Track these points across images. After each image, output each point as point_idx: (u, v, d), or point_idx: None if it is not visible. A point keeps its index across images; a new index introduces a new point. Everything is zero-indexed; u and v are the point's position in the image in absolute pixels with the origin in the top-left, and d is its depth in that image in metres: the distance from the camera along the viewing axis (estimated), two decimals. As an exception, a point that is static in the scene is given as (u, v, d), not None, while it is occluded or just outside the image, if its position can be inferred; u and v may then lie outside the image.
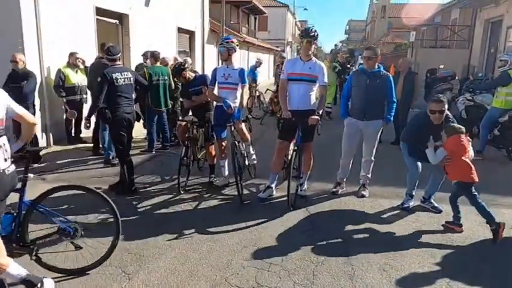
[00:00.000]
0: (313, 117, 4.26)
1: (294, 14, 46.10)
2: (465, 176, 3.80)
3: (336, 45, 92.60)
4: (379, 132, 4.76)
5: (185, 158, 4.97)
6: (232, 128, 4.82)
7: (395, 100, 4.69)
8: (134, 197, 4.76)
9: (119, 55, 4.82)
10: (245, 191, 4.97)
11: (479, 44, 17.47)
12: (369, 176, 4.95)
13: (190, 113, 5.51)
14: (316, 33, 4.33)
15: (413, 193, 4.51)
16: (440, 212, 4.34)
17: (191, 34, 14.52)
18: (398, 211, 4.45)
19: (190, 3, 13.94)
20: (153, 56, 6.92)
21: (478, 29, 17.83)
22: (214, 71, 5.04)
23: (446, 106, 4.08)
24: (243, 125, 4.80)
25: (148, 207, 4.50)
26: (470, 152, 3.91)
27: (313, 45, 4.40)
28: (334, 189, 4.93)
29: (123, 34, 9.93)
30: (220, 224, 4.01)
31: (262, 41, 29.18)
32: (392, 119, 4.82)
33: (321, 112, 4.39)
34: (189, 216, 4.28)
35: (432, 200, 4.46)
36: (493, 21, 16.76)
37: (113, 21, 9.63)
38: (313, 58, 4.49)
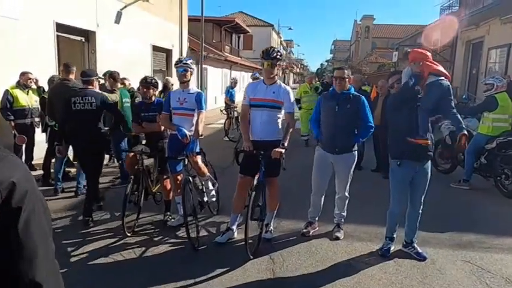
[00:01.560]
0: (276, 149, 3.68)
1: (279, 33, 46.30)
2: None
3: (322, 64, 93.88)
4: (352, 167, 4.17)
5: (135, 193, 4.31)
6: (186, 161, 4.20)
7: (372, 124, 4.12)
8: (71, 241, 4.07)
9: (92, 78, 4.73)
10: (203, 232, 4.33)
11: (461, 65, 17.40)
12: (344, 214, 4.36)
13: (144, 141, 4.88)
14: (278, 54, 3.81)
15: (394, 235, 3.93)
16: (424, 259, 3.76)
17: (168, 52, 14.00)
18: (376, 257, 3.85)
19: (167, 20, 13.47)
20: (112, 76, 6.29)
21: (459, 50, 17.80)
22: (169, 95, 4.45)
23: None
24: (198, 158, 4.19)
25: (84, 255, 3.80)
26: None
27: (277, 67, 3.87)
28: (304, 230, 4.31)
29: (90, 52, 9.33)
30: (168, 279, 3.34)
31: (245, 60, 28.91)
32: (362, 140, 4.29)
33: (286, 144, 3.81)
34: (131, 268, 3.59)
35: (415, 245, 3.88)
36: (474, 42, 16.74)
37: (78, 38, 9.03)
38: (278, 81, 3.96)
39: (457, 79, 17.59)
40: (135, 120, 4.64)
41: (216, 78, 20.95)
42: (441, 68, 3.70)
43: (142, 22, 11.50)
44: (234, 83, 11.65)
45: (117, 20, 10.21)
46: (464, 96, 12.23)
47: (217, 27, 22.57)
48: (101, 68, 9.14)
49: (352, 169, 4.17)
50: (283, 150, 3.71)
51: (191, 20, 16.69)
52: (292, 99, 3.95)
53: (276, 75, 3.93)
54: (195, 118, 4.25)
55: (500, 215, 5.13)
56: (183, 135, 4.09)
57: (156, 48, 12.61)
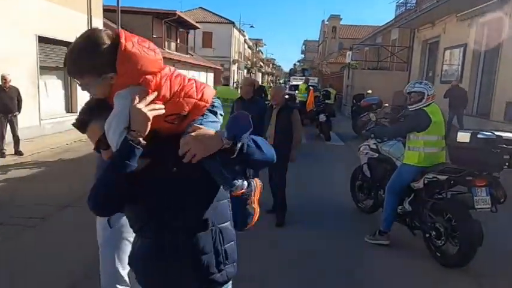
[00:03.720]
0: None
1: (241, 31, 44.27)
2: None
3: (294, 64, 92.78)
4: None
5: None
6: None
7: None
8: None
9: None
10: None
11: (418, 66, 15.91)
12: None
13: None
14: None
15: None
16: None
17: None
18: None
19: (69, 8, 11.13)
20: None
21: (416, 50, 16.31)
22: None
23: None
24: None
25: None
26: None
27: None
28: None
29: None
30: None
31: (196, 58, 26.68)
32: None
33: None
34: None
35: None
36: (431, 42, 15.26)
37: None
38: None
39: (413, 82, 16.08)
40: None
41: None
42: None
43: (26, 9, 9.21)
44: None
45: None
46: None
47: (158, 21, 20.25)
48: None
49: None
50: None
51: (124, 11, 14.44)
52: None
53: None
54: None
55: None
56: None
57: (47, 40, 10.27)
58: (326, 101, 10.96)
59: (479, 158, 3.43)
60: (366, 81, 16.07)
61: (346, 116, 16.08)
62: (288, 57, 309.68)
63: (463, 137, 3.59)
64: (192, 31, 27.90)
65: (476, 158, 3.45)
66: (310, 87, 11.68)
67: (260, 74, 78.97)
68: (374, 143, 4.64)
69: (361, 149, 4.86)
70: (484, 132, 3.51)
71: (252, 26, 41.89)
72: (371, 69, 18.81)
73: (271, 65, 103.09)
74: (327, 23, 51.51)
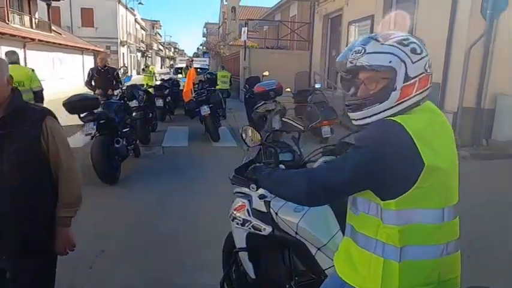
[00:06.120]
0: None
1: (129, 9, 39.12)
2: None
3: (198, 48, 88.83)
4: None
5: None
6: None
7: None
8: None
9: None
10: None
11: (320, 45, 14.09)
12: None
13: None
14: None
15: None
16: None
17: None
18: None
19: None
20: None
21: (317, 27, 14.44)
22: None
23: None
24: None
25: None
26: None
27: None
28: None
29: None
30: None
31: (64, 38, 21.75)
32: None
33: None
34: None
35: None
36: (333, 16, 13.48)
37: None
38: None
39: (315, 63, 14.27)
40: None
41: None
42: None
43: None
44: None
45: None
46: (318, 85, 8.43)
47: (-2, -13, 15.29)
48: None
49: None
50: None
51: None
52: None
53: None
54: None
55: None
56: None
57: None
58: (211, 88, 8.28)
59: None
60: (264, 62, 13.81)
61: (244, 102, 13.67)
62: (193, 40, 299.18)
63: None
64: (67, 6, 22.74)
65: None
66: (189, 68, 8.81)
67: (159, 58, 73.71)
68: (261, 197, 1.96)
69: (233, 209, 2.13)
70: None
71: (140, 3, 36.88)
72: (270, 48, 16.66)
73: (172, 49, 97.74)
74: (225, 3, 48.97)
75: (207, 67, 17.45)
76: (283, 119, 7.01)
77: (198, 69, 12.04)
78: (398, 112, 1.24)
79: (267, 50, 16.32)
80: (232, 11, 47.34)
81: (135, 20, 43.75)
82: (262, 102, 7.35)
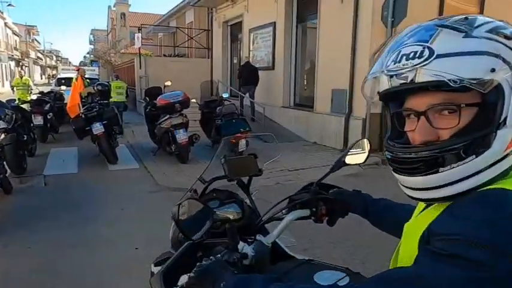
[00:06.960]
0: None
1: (-3, 12, 33.84)
2: None
3: (85, 56, 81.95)
4: None
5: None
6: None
7: None
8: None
9: None
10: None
11: (221, 52, 13.62)
12: None
13: None
14: None
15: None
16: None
17: None
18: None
19: None
20: None
21: (216, 34, 13.95)
22: None
23: None
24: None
25: None
26: None
27: None
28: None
29: None
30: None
31: None
32: None
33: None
34: None
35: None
36: (232, 23, 13.14)
37: None
38: None
39: (217, 71, 13.75)
40: None
41: None
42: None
43: None
44: None
45: None
46: (225, 95, 7.91)
47: None
48: None
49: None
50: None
51: None
52: None
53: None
54: None
55: None
56: None
57: None
58: (104, 101, 7.06)
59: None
60: (162, 70, 12.80)
61: (144, 116, 12.44)
62: (78, 48, 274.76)
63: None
64: None
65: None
66: (74, 80, 7.39)
67: (39, 68, 66.08)
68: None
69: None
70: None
71: (10, 5, 31.93)
72: (167, 56, 15.64)
73: (54, 57, 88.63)
74: (114, 9, 46.00)
75: (96, 77, 15.61)
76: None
77: (87, 80, 10.48)
78: (503, 172, 0.64)
79: (165, 58, 15.26)
80: (121, 17, 44.60)
81: (5, 25, 38.09)
82: (167, 116, 6.46)
